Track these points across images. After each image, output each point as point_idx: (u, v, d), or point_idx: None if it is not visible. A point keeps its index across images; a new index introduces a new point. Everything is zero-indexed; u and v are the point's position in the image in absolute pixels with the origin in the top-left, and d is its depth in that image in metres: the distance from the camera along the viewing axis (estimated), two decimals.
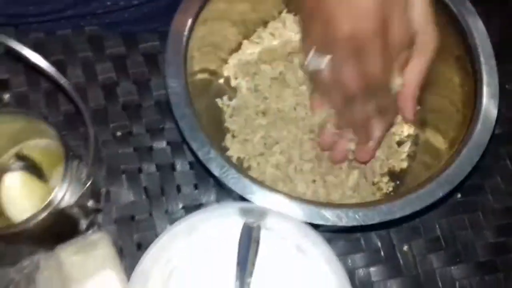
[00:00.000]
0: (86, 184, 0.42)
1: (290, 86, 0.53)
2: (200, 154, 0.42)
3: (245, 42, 0.57)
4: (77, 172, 0.42)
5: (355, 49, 0.40)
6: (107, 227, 0.52)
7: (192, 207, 0.53)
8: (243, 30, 0.56)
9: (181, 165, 0.55)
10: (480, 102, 0.46)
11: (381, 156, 0.54)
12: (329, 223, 0.41)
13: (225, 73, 0.56)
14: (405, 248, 0.53)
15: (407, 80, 0.45)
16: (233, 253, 0.42)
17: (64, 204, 0.41)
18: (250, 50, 0.56)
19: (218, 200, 0.54)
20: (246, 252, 0.42)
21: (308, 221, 0.41)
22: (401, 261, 0.53)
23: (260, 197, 0.42)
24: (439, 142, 0.51)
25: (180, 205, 0.54)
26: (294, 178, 0.52)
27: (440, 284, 0.52)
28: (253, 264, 0.42)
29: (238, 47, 0.57)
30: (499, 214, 0.55)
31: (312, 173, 0.51)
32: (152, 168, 0.55)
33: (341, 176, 0.52)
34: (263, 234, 0.43)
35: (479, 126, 0.45)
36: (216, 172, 0.41)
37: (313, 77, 0.47)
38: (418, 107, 0.55)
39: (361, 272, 0.53)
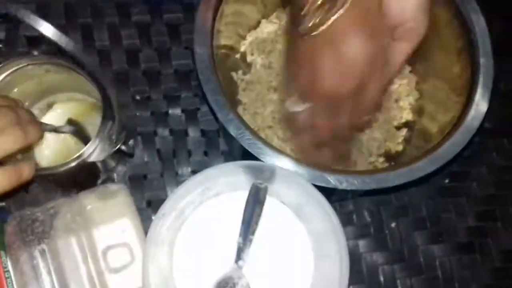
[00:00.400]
0: (116, 146, 0.47)
1: None
2: (220, 116, 0.46)
3: (263, 21, 0.60)
4: (109, 132, 0.46)
5: (332, 104, 0.44)
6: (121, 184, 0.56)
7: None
8: (263, 10, 0.60)
9: (193, 132, 0.59)
10: (474, 93, 0.50)
11: (379, 138, 0.58)
12: (330, 186, 0.45)
13: (242, 49, 0.60)
14: (393, 225, 0.58)
15: (392, 59, 0.48)
16: (239, 211, 0.46)
17: (92, 159, 0.46)
18: (267, 29, 0.60)
19: None
20: (251, 211, 0.47)
21: (312, 182, 0.45)
22: (388, 236, 0.58)
23: (271, 158, 0.46)
24: (433, 128, 0.56)
25: (190, 169, 0.58)
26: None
27: (421, 259, 0.57)
28: (257, 223, 0.47)
29: (257, 25, 0.61)
30: (481, 201, 0.59)
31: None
32: (166, 132, 0.59)
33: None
34: (267, 199, 0.47)
35: (470, 114, 0.49)
36: (233, 132, 0.46)
37: (289, 117, 0.50)
38: (418, 96, 0.59)
39: (350, 243, 0.57)
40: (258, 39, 0.60)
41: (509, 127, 0.62)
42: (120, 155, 0.51)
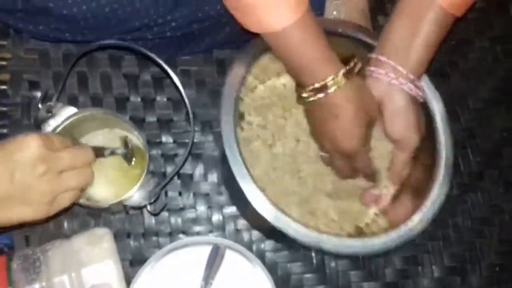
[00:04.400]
0: (151, 199, 0.60)
1: (290, 134, 0.67)
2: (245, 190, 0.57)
3: (260, 86, 0.68)
4: (147, 184, 0.60)
5: (345, 156, 0.60)
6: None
7: (175, 210, 0.68)
8: (261, 76, 0.68)
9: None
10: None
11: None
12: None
13: (241, 110, 0.69)
14: (333, 264, 0.70)
15: (395, 166, 0.64)
16: (204, 260, 0.58)
17: (128, 203, 0.60)
18: (262, 94, 0.68)
19: (195, 207, 0.69)
20: (212, 262, 0.58)
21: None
22: (327, 273, 0.69)
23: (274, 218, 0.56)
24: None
25: (166, 207, 0.68)
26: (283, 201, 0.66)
27: None
28: (216, 272, 0.58)
29: (254, 88, 0.68)
30: (408, 247, 0.71)
31: (297, 196, 0.66)
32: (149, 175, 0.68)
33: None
34: (228, 252, 0.58)
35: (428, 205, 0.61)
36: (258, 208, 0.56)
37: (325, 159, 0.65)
38: None
39: (296, 277, 0.69)
40: (255, 102, 0.68)
41: None
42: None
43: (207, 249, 0.58)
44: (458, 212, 0.73)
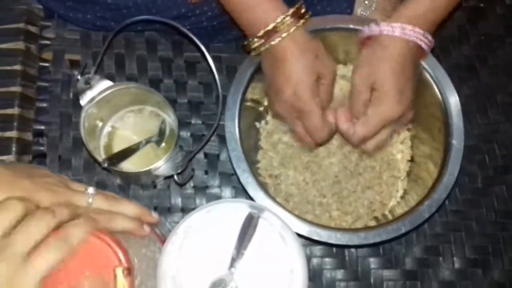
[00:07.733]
0: (178, 170, 0.63)
1: None
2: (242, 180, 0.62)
3: None
4: (175, 157, 0.63)
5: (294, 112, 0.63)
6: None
7: (200, 188, 0.71)
8: None
9: (199, 154, 0.71)
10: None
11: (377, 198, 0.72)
12: (322, 239, 0.62)
13: (265, 103, 0.72)
14: (352, 250, 0.70)
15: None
16: (237, 227, 0.59)
17: (157, 173, 0.64)
18: None
19: (220, 186, 0.71)
20: (245, 232, 0.59)
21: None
22: (347, 258, 0.70)
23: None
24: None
25: (192, 184, 0.71)
26: (305, 189, 0.70)
27: (372, 281, 0.69)
28: (249, 241, 0.59)
29: None
30: (429, 238, 0.71)
31: (315, 188, 0.69)
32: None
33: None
34: (261, 222, 0.60)
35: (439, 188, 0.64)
36: (251, 193, 0.62)
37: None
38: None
39: (317, 260, 0.70)
40: None
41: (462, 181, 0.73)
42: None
43: (243, 214, 0.59)
44: (481, 204, 0.72)
